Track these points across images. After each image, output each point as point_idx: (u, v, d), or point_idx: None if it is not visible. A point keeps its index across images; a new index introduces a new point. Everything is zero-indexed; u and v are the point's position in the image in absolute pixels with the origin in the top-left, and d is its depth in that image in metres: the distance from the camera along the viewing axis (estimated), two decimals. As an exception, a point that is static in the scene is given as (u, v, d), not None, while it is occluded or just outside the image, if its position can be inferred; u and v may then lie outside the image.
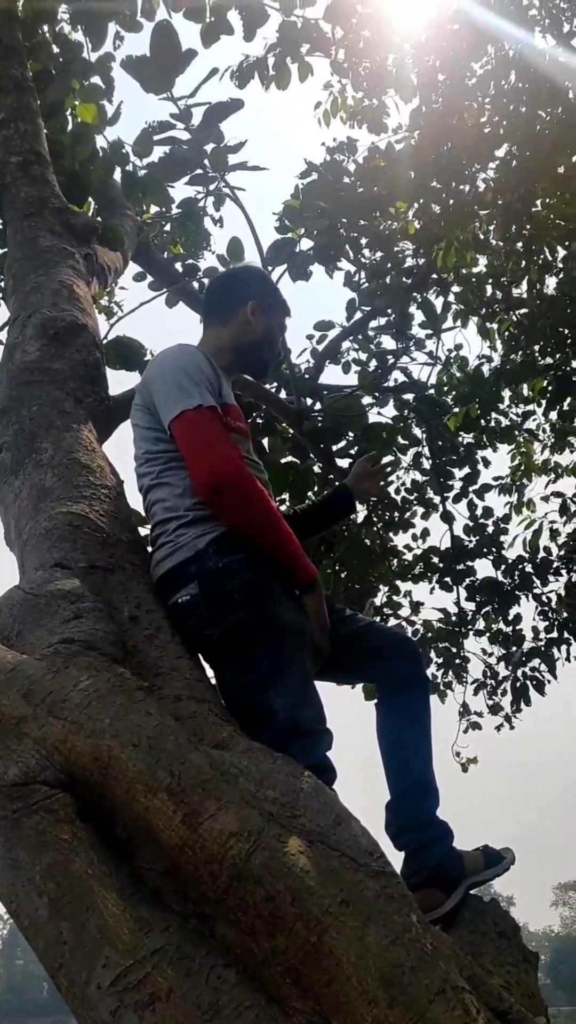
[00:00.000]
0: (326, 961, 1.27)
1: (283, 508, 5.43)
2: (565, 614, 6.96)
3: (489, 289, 6.44)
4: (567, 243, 5.33)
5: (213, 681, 1.96)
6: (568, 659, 7.07)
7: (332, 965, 1.27)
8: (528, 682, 7.03)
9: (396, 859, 2.03)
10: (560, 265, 5.69)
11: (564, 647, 7.05)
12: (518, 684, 7.05)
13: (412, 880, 2.00)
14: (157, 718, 1.50)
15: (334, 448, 5.19)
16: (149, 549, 2.14)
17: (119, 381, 7.49)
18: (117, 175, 4.46)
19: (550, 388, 6.36)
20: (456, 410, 6.60)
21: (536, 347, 6.18)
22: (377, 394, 5.81)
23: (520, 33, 4.77)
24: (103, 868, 1.41)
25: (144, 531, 2.30)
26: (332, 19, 5.49)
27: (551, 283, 6.09)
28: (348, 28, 5.47)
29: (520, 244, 5.37)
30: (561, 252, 5.64)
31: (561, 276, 5.76)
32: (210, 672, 1.99)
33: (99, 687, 1.52)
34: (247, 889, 1.32)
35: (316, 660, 2.11)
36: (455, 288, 6.41)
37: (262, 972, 1.31)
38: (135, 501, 2.32)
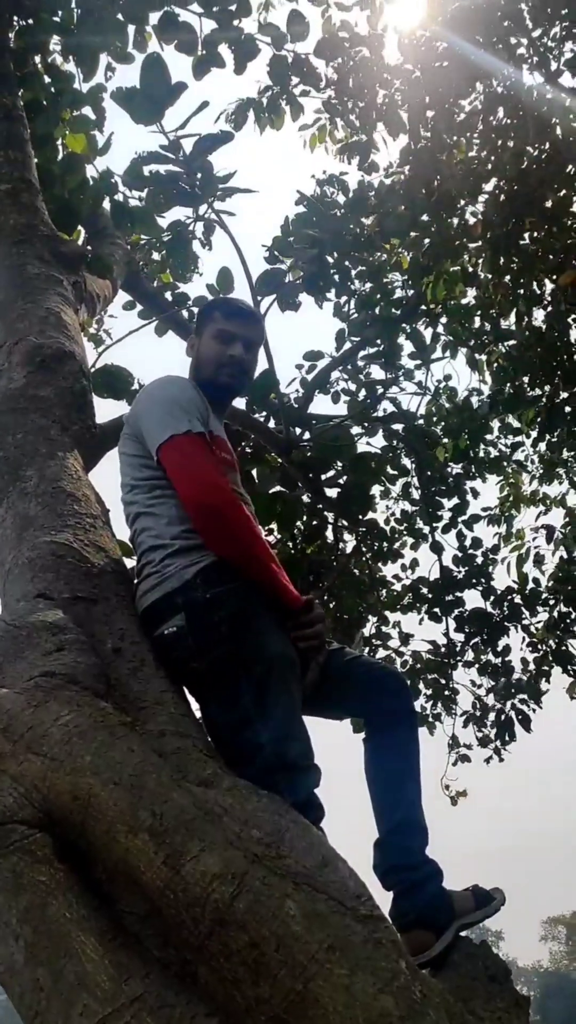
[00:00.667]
0: (312, 1010, 1.22)
1: (270, 539, 5.43)
2: (552, 643, 6.93)
3: (478, 321, 6.49)
4: (554, 276, 5.37)
5: (198, 715, 1.92)
6: (564, 671, 7.03)
7: (318, 1014, 1.22)
8: (514, 715, 6.97)
9: (384, 899, 1.98)
10: (548, 298, 5.74)
11: (549, 679, 7.01)
12: (503, 717, 6.99)
13: (401, 921, 1.95)
14: (140, 755, 1.46)
15: (323, 478, 5.17)
16: (135, 580, 2.10)
17: (106, 410, 7.49)
18: (107, 204, 4.48)
19: (539, 419, 6.39)
20: (445, 441, 6.61)
21: (525, 378, 6.21)
22: (366, 424, 5.82)
23: (509, 70, 4.84)
24: (82, 912, 1.35)
25: (130, 561, 2.27)
26: (322, 54, 5.57)
27: (539, 315, 6.14)
28: (339, 70, 5.55)
29: (508, 277, 5.41)
30: (549, 285, 5.69)
31: (549, 309, 5.80)
32: (195, 706, 1.95)
33: (80, 722, 1.48)
34: (230, 934, 1.28)
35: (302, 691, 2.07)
36: (444, 319, 6.46)
37: (245, 1021, 1.26)
38: (121, 530, 2.30)
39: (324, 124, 6.46)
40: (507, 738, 6.99)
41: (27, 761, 1.44)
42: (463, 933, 2.02)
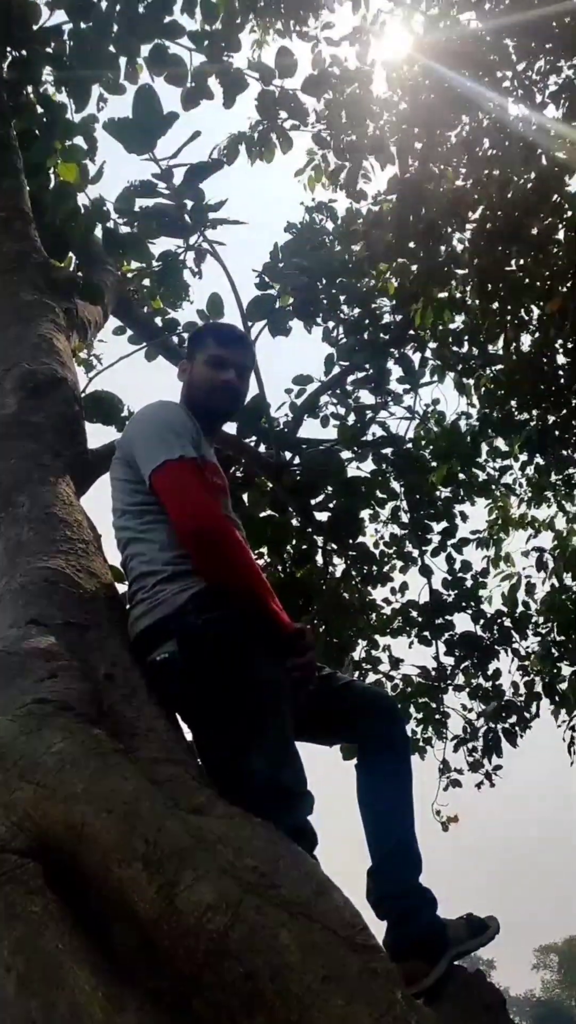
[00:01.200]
0: (308, 1042, 1.21)
1: (260, 562, 5.43)
2: (544, 676, 6.94)
3: (465, 346, 6.55)
4: (541, 303, 5.44)
5: (191, 741, 1.91)
6: (552, 702, 7.02)
7: (314, 1046, 1.21)
8: (500, 732, 6.96)
9: (378, 927, 1.97)
10: (535, 324, 5.80)
11: (539, 702, 7.01)
12: (491, 736, 6.98)
13: (395, 951, 1.93)
14: (133, 783, 1.45)
15: (313, 502, 5.19)
16: (127, 606, 2.10)
17: (97, 435, 7.50)
18: (99, 232, 4.51)
19: (527, 443, 6.43)
20: (435, 464, 6.64)
21: (513, 402, 6.26)
22: (356, 448, 5.84)
23: (495, 102, 4.93)
24: (75, 943, 1.34)
25: (122, 587, 2.27)
26: (309, 90, 5.66)
27: (526, 340, 6.20)
28: (329, 104, 5.65)
29: (496, 304, 5.47)
30: (535, 312, 5.75)
31: (537, 335, 5.86)
32: (188, 732, 1.94)
33: (73, 750, 1.47)
34: (225, 965, 1.26)
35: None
36: (432, 344, 6.51)
37: (240, 1054, 1.24)
38: (114, 555, 2.30)
39: (319, 164, 6.56)
40: (494, 757, 6.97)
41: (20, 790, 1.43)
42: (457, 962, 2.01)
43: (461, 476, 6.75)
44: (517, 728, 6.97)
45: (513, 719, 7.00)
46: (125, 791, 1.42)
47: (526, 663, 7.10)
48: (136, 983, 1.33)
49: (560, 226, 5.30)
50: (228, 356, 2.34)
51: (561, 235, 5.32)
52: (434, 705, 7.10)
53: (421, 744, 7.20)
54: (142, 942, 1.35)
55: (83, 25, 4.52)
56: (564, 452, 6.48)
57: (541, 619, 7.17)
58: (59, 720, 1.54)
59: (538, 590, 7.39)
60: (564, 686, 6.95)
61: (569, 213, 5.20)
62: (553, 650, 6.88)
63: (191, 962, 1.28)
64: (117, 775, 1.45)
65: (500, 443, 7.08)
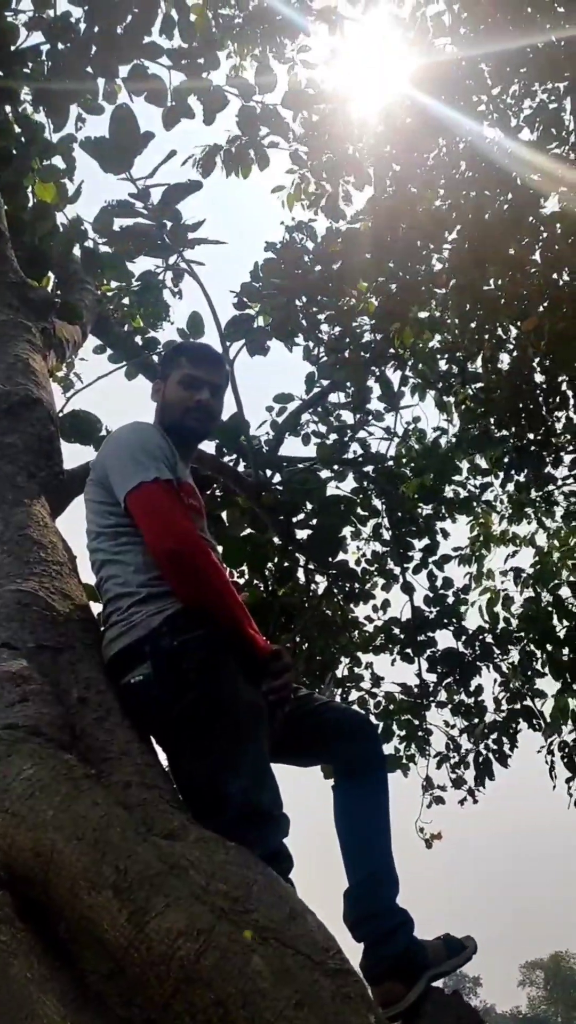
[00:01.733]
0: (279, 1070, 1.20)
1: (240, 581, 5.42)
2: (518, 686, 6.94)
3: (444, 364, 6.60)
4: (519, 322, 5.49)
5: (166, 765, 1.90)
6: (530, 726, 7.02)
7: (286, 1074, 1.20)
8: (491, 755, 6.94)
9: (354, 950, 1.96)
10: (513, 343, 5.86)
11: (522, 720, 7.00)
12: (480, 759, 6.96)
13: (372, 973, 1.92)
14: (104, 808, 1.44)
15: (293, 520, 5.19)
16: (102, 628, 2.09)
17: (75, 455, 7.48)
18: (77, 251, 4.52)
19: (506, 460, 6.47)
20: (409, 476, 6.67)
21: (492, 419, 6.31)
22: (336, 467, 5.85)
23: (470, 124, 4.99)
24: (43, 972, 1.32)
25: (97, 608, 2.26)
26: (290, 105, 5.70)
27: (505, 359, 6.26)
28: (306, 123, 5.69)
29: (473, 323, 5.52)
30: (513, 331, 5.81)
31: (514, 353, 5.92)
32: (163, 756, 1.93)
33: (43, 776, 1.46)
34: (196, 993, 1.25)
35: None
36: (412, 362, 6.55)
37: None
38: (89, 577, 2.28)
39: (297, 182, 6.61)
40: (486, 780, 6.95)
41: (-12, 817, 1.42)
42: (435, 983, 2.00)
43: (444, 494, 6.77)
44: (502, 746, 6.95)
45: (496, 737, 6.98)
46: (95, 817, 1.41)
47: (507, 678, 7.10)
48: (106, 1012, 1.32)
49: (536, 247, 5.36)
50: (202, 376, 2.34)
51: (537, 256, 5.39)
52: (416, 722, 7.09)
53: (404, 761, 7.17)
54: (112, 970, 1.34)
55: (61, 46, 4.54)
56: (542, 469, 6.52)
57: (520, 633, 7.19)
58: (29, 745, 1.53)
59: (516, 605, 7.42)
60: (542, 704, 6.96)
61: (544, 234, 5.27)
62: (530, 663, 6.89)
63: (161, 990, 1.27)
64: (88, 801, 1.44)
65: (481, 460, 7.12)
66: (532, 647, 6.80)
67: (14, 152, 4.35)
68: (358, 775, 2.16)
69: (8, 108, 4.50)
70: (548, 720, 6.70)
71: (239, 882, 1.41)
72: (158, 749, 1.92)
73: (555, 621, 6.73)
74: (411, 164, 5.18)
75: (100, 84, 4.81)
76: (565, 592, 7.00)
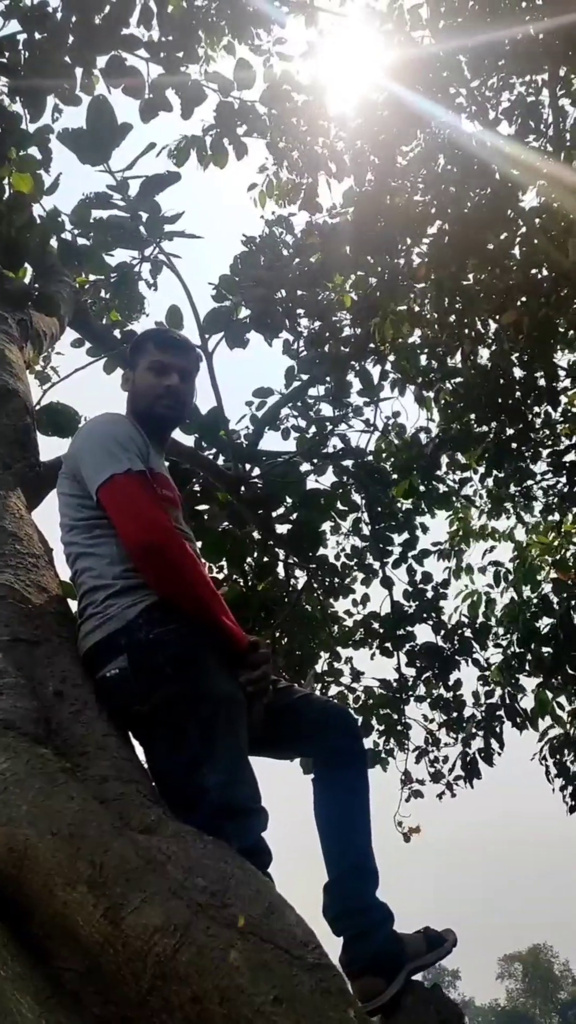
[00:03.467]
0: (258, 1066, 1.18)
1: (219, 576, 5.39)
2: (505, 688, 6.98)
3: (424, 359, 6.60)
4: (497, 316, 5.50)
5: (143, 759, 1.88)
6: (514, 724, 7.05)
7: (264, 1070, 1.18)
8: (477, 754, 6.96)
9: (334, 944, 1.94)
10: (492, 337, 5.87)
11: (504, 718, 7.04)
12: (468, 758, 6.98)
13: (350, 968, 1.91)
14: (79, 802, 1.41)
15: (273, 515, 5.17)
16: (78, 621, 2.06)
17: (52, 447, 7.40)
18: (54, 243, 4.46)
19: (486, 455, 6.49)
20: (396, 477, 6.67)
21: (472, 415, 6.32)
22: (316, 460, 5.84)
23: (448, 117, 4.99)
24: (17, 969, 1.30)
25: (74, 602, 2.23)
26: (268, 102, 5.67)
27: (484, 354, 6.27)
28: (283, 112, 5.66)
29: (453, 317, 5.53)
30: (492, 325, 5.82)
31: (493, 348, 5.93)
32: (140, 749, 1.91)
33: (17, 770, 1.43)
34: (172, 989, 1.24)
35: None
36: (391, 357, 6.55)
37: (189, 1080, 1.21)
38: (65, 570, 2.25)
39: (270, 180, 6.58)
40: (474, 778, 6.97)
41: (-39, 813, 1.39)
42: (415, 976, 1.99)
43: (422, 488, 6.78)
44: (490, 746, 6.97)
45: (484, 736, 7.00)
46: (70, 811, 1.39)
47: (486, 674, 7.13)
48: (82, 1010, 1.30)
49: (515, 241, 5.37)
50: (170, 361, 2.31)
51: (516, 250, 5.40)
52: (395, 716, 7.10)
53: (383, 756, 7.18)
54: (88, 967, 1.32)
55: (38, 35, 4.49)
56: (521, 464, 6.54)
57: (501, 630, 7.22)
58: (3, 740, 1.50)
59: (497, 601, 7.45)
60: (526, 702, 6.99)
61: (523, 228, 5.28)
62: (514, 662, 6.92)
63: (138, 987, 1.25)
64: (63, 795, 1.41)
65: (460, 455, 7.13)
66: (516, 647, 6.82)
67: (-10, 142, 4.29)
68: (338, 768, 2.14)
69: (-17, 98, 4.44)
70: (529, 715, 6.74)
71: (217, 877, 1.40)
72: (135, 743, 1.90)
73: (538, 620, 6.76)
74: (389, 157, 5.17)
75: (78, 75, 4.75)
76: (545, 588, 7.04)
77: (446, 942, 2.06)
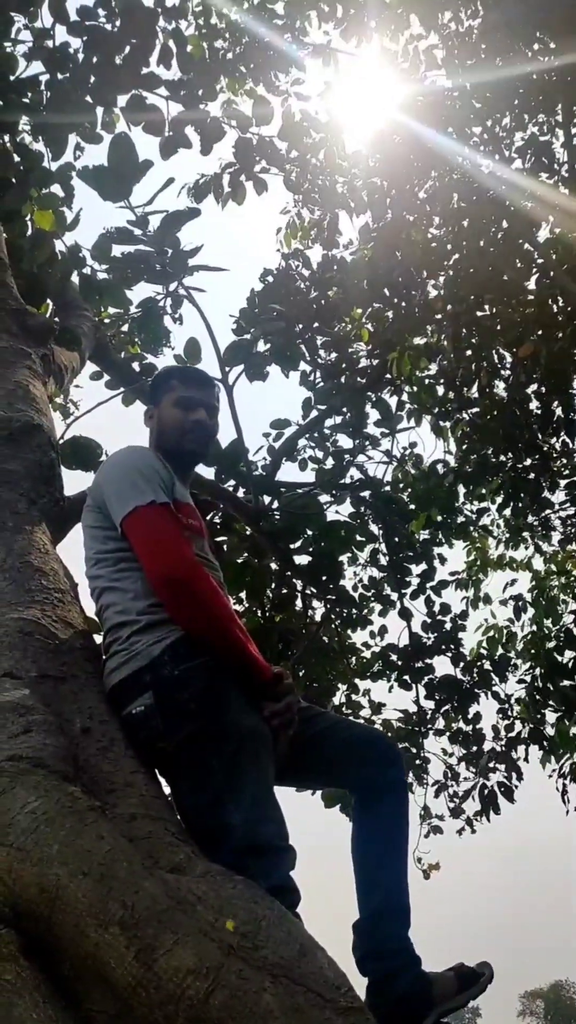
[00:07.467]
0: None
1: (239, 607, 5.39)
2: (529, 723, 6.90)
3: (441, 390, 6.62)
4: (514, 349, 5.52)
5: (170, 796, 1.87)
6: (526, 759, 6.97)
7: None
8: (496, 788, 6.86)
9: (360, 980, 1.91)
10: (508, 370, 5.89)
11: (523, 747, 6.95)
12: (486, 792, 6.88)
13: (376, 1012, 1.87)
14: (109, 842, 1.41)
15: (292, 546, 5.17)
16: (103, 656, 2.06)
17: (75, 481, 7.45)
18: (75, 278, 4.53)
19: (504, 486, 6.48)
20: (413, 508, 6.67)
21: (489, 448, 6.33)
22: (334, 491, 5.84)
23: (464, 153, 5.05)
24: (49, 1012, 1.28)
25: (99, 637, 2.23)
26: (286, 137, 5.76)
27: (501, 385, 6.29)
28: (301, 149, 5.75)
29: (469, 350, 5.55)
30: (508, 357, 5.84)
31: (510, 380, 5.95)
32: (166, 787, 1.90)
33: (48, 809, 1.43)
34: (206, 1033, 1.22)
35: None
36: (408, 388, 6.58)
37: None
38: (90, 604, 2.26)
39: (294, 221, 6.68)
40: (491, 813, 6.86)
41: (-8, 851, 1.38)
42: (446, 1019, 1.96)
43: (439, 519, 6.77)
44: (511, 779, 6.86)
45: (502, 770, 6.90)
46: (101, 851, 1.38)
47: (505, 706, 7.06)
48: (113, 1054, 1.28)
49: (531, 274, 5.40)
50: (196, 396, 2.34)
51: (532, 283, 5.43)
52: (414, 750, 7.02)
53: (402, 790, 7.10)
54: (120, 1009, 1.30)
55: (60, 76, 4.59)
56: (539, 495, 6.53)
57: (521, 661, 7.16)
58: (33, 778, 1.50)
59: (517, 635, 7.40)
60: (550, 731, 6.91)
61: (539, 260, 5.31)
62: (537, 696, 6.84)
63: (170, 1031, 1.24)
64: (93, 834, 1.40)
65: (477, 486, 7.12)
66: (539, 682, 6.76)
67: (13, 181, 4.37)
68: (374, 802, 2.10)
69: (7, 137, 4.53)
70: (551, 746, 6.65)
71: (248, 917, 1.38)
72: (162, 781, 1.89)
73: (559, 655, 6.71)
74: (406, 193, 5.23)
75: (99, 114, 4.85)
76: (567, 619, 6.99)
77: (480, 978, 2.00)
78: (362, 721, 6.93)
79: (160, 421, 2.36)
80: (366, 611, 6.77)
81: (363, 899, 2.01)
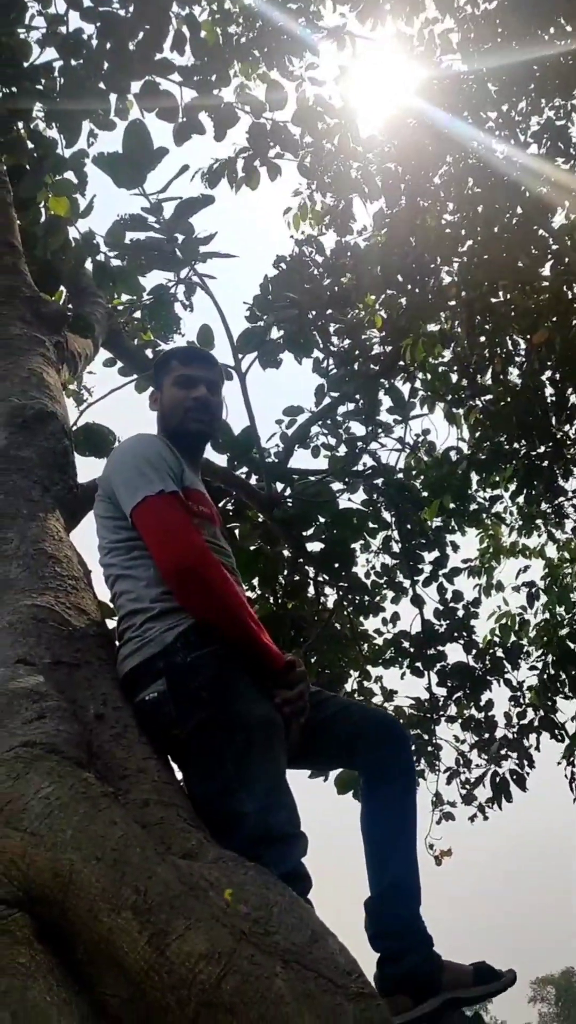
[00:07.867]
0: None
1: (251, 595, 5.40)
2: (541, 711, 6.89)
3: (455, 377, 6.59)
4: (528, 335, 5.49)
5: (182, 783, 1.88)
6: (538, 748, 6.97)
7: None
8: (508, 776, 6.87)
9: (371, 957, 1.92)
10: (522, 357, 5.85)
11: (535, 735, 6.95)
12: (498, 779, 6.88)
13: (382, 986, 1.90)
14: (122, 827, 1.42)
15: (304, 534, 5.17)
16: (117, 643, 2.07)
17: (88, 468, 7.48)
18: (89, 265, 4.53)
19: (517, 474, 6.46)
20: (426, 495, 6.65)
21: (503, 435, 6.30)
22: (347, 479, 5.83)
23: (479, 138, 5.00)
24: (63, 995, 1.30)
25: (112, 623, 2.24)
26: (300, 122, 5.73)
27: (514, 372, 6.25)
28: (315, 135, 5.71)
29: (483, 337, 5.52)
30: (522, 344, 5.80)
31: (524, 367, 5.91)
32: (179, 773, 1.91)
33: (61, 795, 1.44)
34: (217, 1018, 1.23)
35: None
36: (421, 375, 6.56)
37: None
38: (104, 591, 2.27)
39: (305, 203, 6.64)
40: (503, 800, 6.87)
41: (6, 837, 1.39)
42: (463, 1008, 1.97)
43: (452, 507, 6.75)
44: (523, 767, 6.86)
45: (514, 757, 6.90)
46: (114, 837, 1.39)
47: (517, 694, 7.06)
48: (126, 1037, 1.29)
49: (546, 260, 5.36)
50: (196, 373, 2.33)
51: (547, 269, 5.39)
52: (426, 737, 7.04)
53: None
54: (132, 993, 1.31)
55: (74, 62, 4.57)
56: (552, 483, 6.50)
57: (534, 649, 7.15)
58: (47, 763, 1.51)
59: (530, 622, 7.39)
60: (561, 717, 6.91)
61: (554, 247, 5.27)
62: (548, 683, 6.84)
63: (183, 1015, 1.25)
64: (106, 820, 1.42)
65: (491, 473, 7.09)
66: (551, 669, 6.75)
67: (27, 167, 4.37)
68: (381, 782, 2.11)
69: (21, 124, 4.52)
70: (569, 737, 6.65)
71: (260, 903, 1.39)
72: (174, 767, 1.91)
73: (572, 642, 6.69)
74: (421, 178, 5.19)
75: (112, 100, 4.83)
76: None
77: (500, 977, 2.01)
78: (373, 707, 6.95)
79: (163, 403, 2.36)
80: (378, 598, 6.77)
81: (374, 878, 2.03)
